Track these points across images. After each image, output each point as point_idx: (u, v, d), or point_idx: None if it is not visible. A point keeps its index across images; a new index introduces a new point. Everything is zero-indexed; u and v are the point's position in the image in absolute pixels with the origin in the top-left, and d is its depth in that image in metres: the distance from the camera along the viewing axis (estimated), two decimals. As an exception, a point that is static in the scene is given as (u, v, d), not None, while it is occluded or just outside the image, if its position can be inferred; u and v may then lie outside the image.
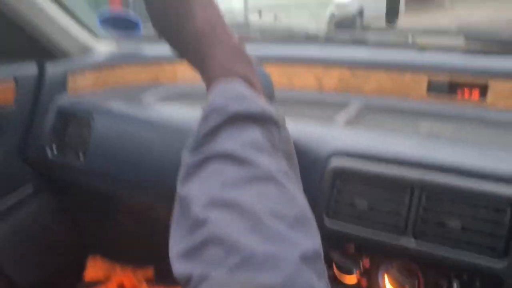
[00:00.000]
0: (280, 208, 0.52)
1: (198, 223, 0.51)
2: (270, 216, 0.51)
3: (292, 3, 5.83)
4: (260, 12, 4.31)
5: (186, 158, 0.61)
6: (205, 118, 0.65)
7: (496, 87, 0.83)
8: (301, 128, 0.78)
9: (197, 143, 0.62)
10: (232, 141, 0.59)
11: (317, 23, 6.08)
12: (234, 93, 0.69)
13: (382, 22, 0.98)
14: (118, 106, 1.00)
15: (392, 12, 0.51)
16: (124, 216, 1.24)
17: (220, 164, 0.56)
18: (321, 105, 0.93)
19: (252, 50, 1.08)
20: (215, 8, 0.78)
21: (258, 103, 0.67)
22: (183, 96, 1.06)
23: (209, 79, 0.76)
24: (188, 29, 0.77)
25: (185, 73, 1.11)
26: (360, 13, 7.41)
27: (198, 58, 0.78)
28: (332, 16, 6.02)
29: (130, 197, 1.14)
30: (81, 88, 1.09)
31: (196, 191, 0.56)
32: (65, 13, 1.06)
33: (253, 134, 0.61)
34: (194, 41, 0.77)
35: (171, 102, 1.01)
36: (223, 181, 0.54)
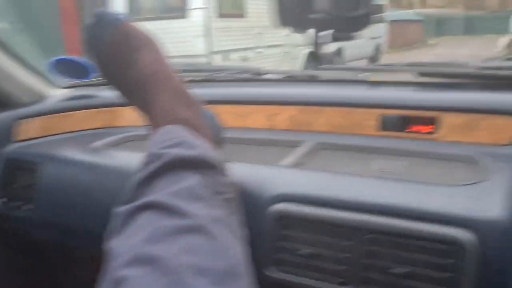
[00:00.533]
0: (205, 262, 0.48)
1: (117, 282, 0.46)
2: (192, 272, 0.47)
3: (266, 44, 5.89)
4: (225, 54, 4.32)
5: (116, 211, 0.57)
6: (143, 165, 0.62)
7: (446, 121, 0.82)
8: (247, 171, 0.75)
9: (130, 194, 0.59)
10: (165, 190, 0.55)
11: (292, 64, 6.16)
12: (173, 139, 0.66)
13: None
14: (67, 152, 0.97)
15: (315, 56, 0.50)
16: (79, 267, 1.18)
17: (150, 215, 0.52)
18: (271, 145, 0.90)
19: (204, 92, 1.06)
20: (158, 53, 0.77)
21: (198, 148, 0.64)
22: (136, 141, 1.03)
23: (153, 124, 0.74)
24: (132, 75, 0.75)
25: (139, 117, 1.08)
26: (339, 53, 7.55)
27: (143, 103, 0.76)
28: (310, 55, 6.12)
29: (85, 247, 1.09)
30: (31, 135, 1.05)
31: (121, 246, 0.52)
32: (15, 61, 1.04)
33: (190, 181, 0.58)
34: (138, 86, 0.76)
35: (122, 148, 0.98)
36: (150, 234, 0.50)
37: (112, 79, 0.78)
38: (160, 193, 0.55)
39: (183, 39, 4.88)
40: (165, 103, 0.72)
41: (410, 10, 23.05)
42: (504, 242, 0.56)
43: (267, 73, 1.09)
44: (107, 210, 0.85)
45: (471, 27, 22.89)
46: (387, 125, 0.86)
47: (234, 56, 5.10)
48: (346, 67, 0.97)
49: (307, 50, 6.23)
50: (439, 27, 23.00)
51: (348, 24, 0.47)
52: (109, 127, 1.09)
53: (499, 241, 0.56)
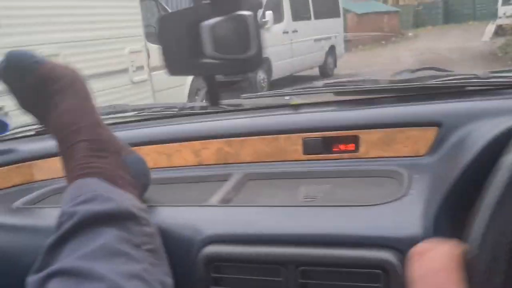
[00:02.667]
0: None
1: None
2: None
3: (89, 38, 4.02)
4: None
5: (27, 281, 0.53)
6: (56, 228, 0.59)
7: (366, 138, 0.84)
8: (173, 214, 0.73)
9: (40, 262, 0.55)
10: (77, 252, 0.52)
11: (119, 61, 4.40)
12: (86, 193, 0.63)
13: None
14: None
15: (213, 96, 0.49)
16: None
17: (58, 283, 0.49)
18: (201, 182, 0.89)
19: (129, 133, 1.02)
20: (80, 96, 0.73)
21: (112, 201, 0.61)
22: (58, 194, 0.98)
23: (68, 177, 0.70)
24: (52, 122, 0.72)
25: (60, 168, 1.03)
26: (268, 68, 6.99)
27: (61, 153, 0.73)
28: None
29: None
30: None
31: None
32: None
33: (105, 237, 0.55)
34: (57, 134, 0.72)
35: (44, 204, 0.93)
36: None
37: (40, 121, 0.75)
38: (70, 257, 0.52)
39: None
40: (80, 154, 0.69)
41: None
42: None
43: (192, 106, 1.08)
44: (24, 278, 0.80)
45: (452, 15, 20.91)
46: (310, 148, 0.87)
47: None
48: (268, 94, 0.98)
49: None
50: (418, 17, 20.90)
51: (239, 66, 0.47)
52: (31, 182, 1.03)
53: None
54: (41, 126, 0.75)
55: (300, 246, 0.61)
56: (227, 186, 0.82)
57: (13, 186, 1.03)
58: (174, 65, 0.48)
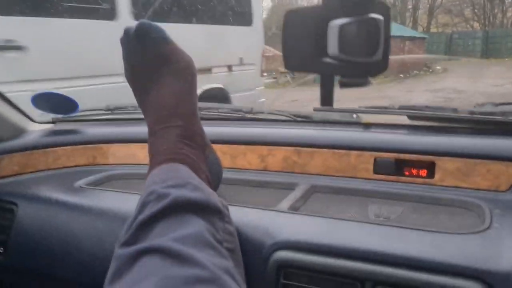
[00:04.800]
0: None
1: None
2: None
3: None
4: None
5: (117, 253, 0.52)
6: (141, 205, 0.57)
7: (442, 166, 0.81)
8: (243, 217, 0.71)
9: (130, 235, 0.53)
10: (170, 234, 0.50)
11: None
12: (177, 178, 0.62)
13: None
14: (45, 192, 0.91)
15: (327, 97, 0.48)
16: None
17: (155, 260, 0.47)
18: (265, 187, 0.87)
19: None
20: (188, 83, 0.73)
21: (203, 191, 0.61)
22: (122, 180, 0.98)
23: (154, 158, 0.70)
24: (153, 98, 0.72)
25: (125, 154, 1.04)
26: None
27: (151, 131, 0.72)
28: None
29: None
30: (9, 172, 1.00)
31: None
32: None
33: (195, 226, 0.53)
34: (154, 111, 0.72)
35: (107, 187, 0.93)
36: (158, 282, 0.45)
37: (136, 91, 0.75)
38: (165, 237, 0.50)
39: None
40: (173, 138, 0.68)
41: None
42: None
43: (259, 112, 1.08)
44: (90, 257, 0.80)
45: (492, 48, 16.49)
46: (382, 168, 0.84)
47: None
48: (340, 109, 0.97)
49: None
50: (449, 47, 16.39)
51: (362, 69, 0.46)
52: (94, 165, 1.05)
53: None
54: (137, 101, 0.74)
55: (379, 264, 0.59)
56: (294, 194, 0.80)
57: (76, 166, 1.05)
58: (294, 60, 0.47)
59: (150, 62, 0.71)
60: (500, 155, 0.78)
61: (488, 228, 0.64)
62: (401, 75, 11.99)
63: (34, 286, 0.94)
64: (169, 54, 0.70)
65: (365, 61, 0.45)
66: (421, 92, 8.99)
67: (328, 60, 0.45)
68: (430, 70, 13.48)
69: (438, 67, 13.94)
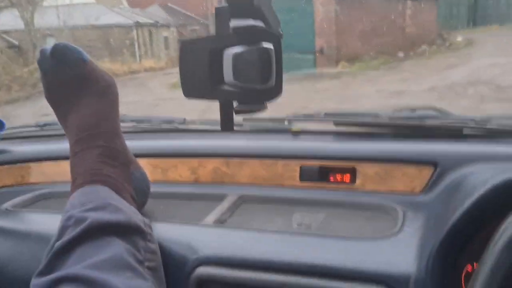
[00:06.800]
0: None
1: None
2: None
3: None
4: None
5: (33, 283, 0.52)
6: (60, 231, 0.57)
7: (363, 171, 0.85)
8: (168, 232, 0.72)
9: (45, 264, 0.53)
10: (87, 260, 0.51)
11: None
12: (97, 200, 0.62)
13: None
14: None
15: (227, 122, 0.49)
16: None
17: None
18: (195, 200, 0.88)
19: (128, 144, 1.01)
20: (108, 103, 0.72)
21: (123, 212, 0.61)
22: (52, 199, 0.96)
23: (75, 181, 0.69)
24: (74, 120, 0.70)
25: (55, 172, 1.02)
26: None
27: (72, 153, 0.71)
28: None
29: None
30: None
31: None
32: None
33: (114, 249, 0.54)
34: (74, 133, 0.71)
35: (35, 208, 0.91)
36: None
37: (56, 112, 0.73)
38: (81, 264, 0.51)
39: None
40: (93, 159, 0.68)
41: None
42: None
43: (191, 123, 1.08)
44: (13, 285, 0.78)
45: None
46: (307, 175, 0.87)
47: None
48: (269, 118, 0.99)
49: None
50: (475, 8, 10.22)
51: (257, 95, 0.48)
52: (21, 185, 1.02)
53: None
54: (59, 122, 0.73)
55: (293, 274, 0.61)
56: (222, 206, 0.82)
57: (3, 186, 1.02)
58: (191, 88, 0.48)
59: (67, 84, 0.70)
60: (414, 158, 0.82)
61: (398, 231, 0.68)
62: (400, 54, 7.80)
63: None
64: (87, 74, 0.70)
65: (259, 87, 0.46)
66: (427, 89, 4.70)
67: (225, 87, 0.46)
68: (447, 44, 8.78)
69: (459, 39, 8.91)
